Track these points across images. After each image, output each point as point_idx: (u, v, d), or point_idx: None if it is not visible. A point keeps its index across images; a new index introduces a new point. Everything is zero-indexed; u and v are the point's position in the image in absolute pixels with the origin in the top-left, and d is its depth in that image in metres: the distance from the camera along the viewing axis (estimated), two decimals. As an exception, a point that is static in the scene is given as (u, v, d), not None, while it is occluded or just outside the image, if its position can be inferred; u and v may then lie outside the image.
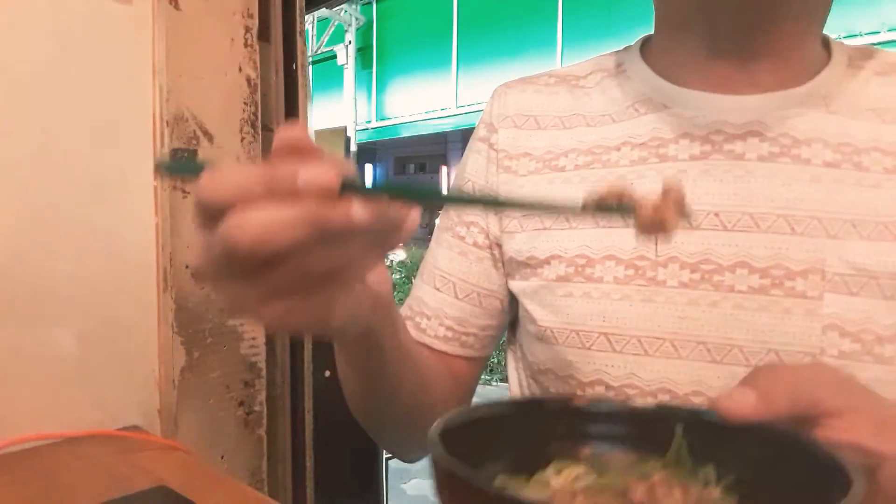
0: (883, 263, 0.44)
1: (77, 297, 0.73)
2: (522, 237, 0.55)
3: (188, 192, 0.84)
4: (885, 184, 0.46)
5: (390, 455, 1.79)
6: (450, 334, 0.58)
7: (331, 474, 1.15)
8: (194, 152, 0.83)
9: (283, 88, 1.00)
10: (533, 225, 0.54)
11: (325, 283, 0.29)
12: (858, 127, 0.48)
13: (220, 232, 0.26)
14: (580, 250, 0.51)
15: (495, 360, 4.10)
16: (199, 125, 0.84)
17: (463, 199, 0.35)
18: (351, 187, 0.26)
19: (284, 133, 0.27)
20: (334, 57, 9.84)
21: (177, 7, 0.81)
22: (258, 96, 0.91)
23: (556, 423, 0.36)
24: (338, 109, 9.67)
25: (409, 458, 0.62)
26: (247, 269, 0.27)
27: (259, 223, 0.26)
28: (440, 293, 0.59)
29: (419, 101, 9.23)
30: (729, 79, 0.50)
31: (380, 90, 9.86)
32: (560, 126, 0.57)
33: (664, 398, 0.47)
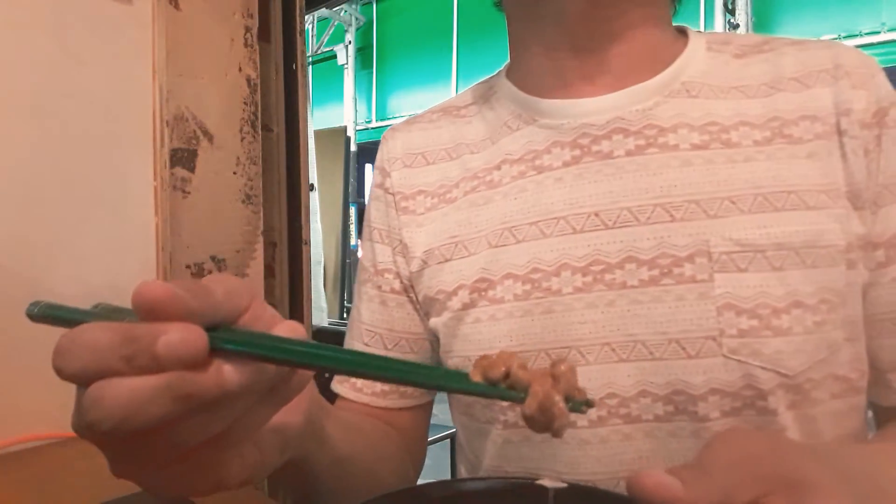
0: (767, 235, 0.44)
1: (77, 297, 0.73)
2: (429, 272, 0.55)
3: (188, 192, 0.84)
4: (756, 156, 0.46)
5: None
6: (387, 388, 0.57)
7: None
8: (194, 152, 0.83)
9: (283, 88, 1.00)
10: (436, 259, 0.54)
11: (209, 448, 0.26)
12: (722, 106, 0.48)
13: (81, 406, 0.23)
14: (480, 274, 0.51)
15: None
16: (199, 125, 0.84)
17: (361, 364, 0.27)
18: (222, 346, 0.23)
19: (141, 291, 0.23)
20: (334, 57, 9.84)
21: (177, 7, 0.81)
22: (258, 96, 0.91)
23: None
24: (338, 109, 9.67)
25: None
26: (115, 440, 0.24)
27: (117, 400, 0.22)
28: (369, 348, 0.58)
29: (419, 102, 9.23)
30: (586, 80, 0.51)
31: (380, 90, 9.85)
32: (447, 158, 0.57)
33: None
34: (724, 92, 0.49)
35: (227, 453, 0.27)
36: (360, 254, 0.63)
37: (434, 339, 0.57)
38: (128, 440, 0.24)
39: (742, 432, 0.31)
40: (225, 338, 0.24)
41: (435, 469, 3.24)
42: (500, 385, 0.28)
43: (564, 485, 0.36)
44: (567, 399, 0.28)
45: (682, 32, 0.53)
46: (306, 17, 1.10)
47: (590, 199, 0.48)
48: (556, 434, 0.28)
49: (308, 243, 1.07)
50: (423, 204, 0.57)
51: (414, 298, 0.57)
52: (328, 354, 0.25)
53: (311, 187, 1.35)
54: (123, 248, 0.77)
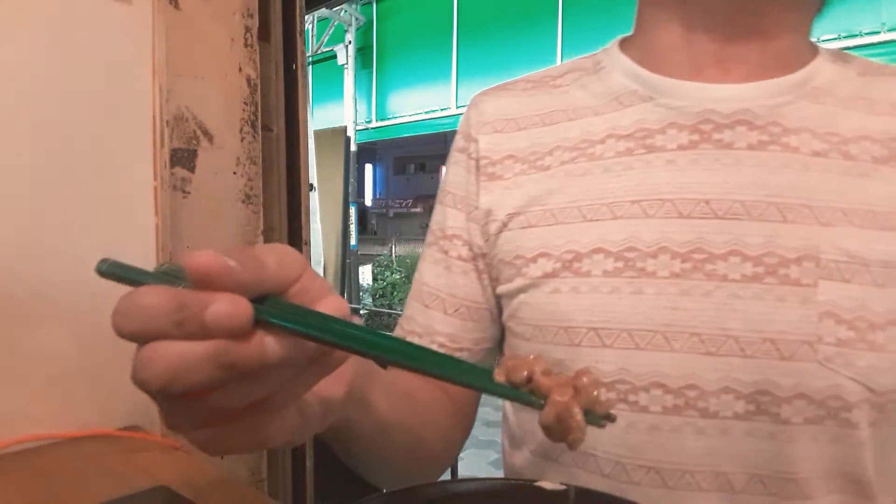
0: (873, 251, 0.44)
1: (77, 297, 0.73)
2: (508, 235, 0.54)
3: (188, 192, 0.84)
4: (872, 173, 0.46)
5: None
6: (442, 351, 0.57)
7: (331, 474, 1.14)
8: (194, 152, 0.83)
9: (283, 88, 1.00)
10: (519, 224, 0.54)
11: (251, 413, 0.27)
12: (845, 117, 0.48)
13: (133, 365, 0.25)
14: (568, 245, 0.50)
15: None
16: (199, 125, 0.84)
17: (397, 352, 0.27)
18: (266, 319, 0.24)
19: (194, 260, 0.24)
20: (334, 57, 9.83)
21: (177, 7, 0.81)
22: (258, 96, 0.91)
23: None
24: (338, 109, 9.67)
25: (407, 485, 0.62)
26: (166, 398, 0.26)
27: (165, 362, 0.24)
28: (430, 310, 0.58)
29: (419, 102, 9.23)
30: (715, 65, 0.50)
31: (380, 90, 9.85)
32: (541, 124, 0.56)
33: (656, 393, 0.46)
34: (848, 104, 0.49)
35: (270, 417, 0.28)
36: (432, 220, 0.62)
37: (496, 308, 0.57)
38: (177, 399, 0.26)
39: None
40: (270, 311, 0.25)
41: (435, 469, 3.24)
42: (522, 389, 0.28)
43: (564, 487, 0.36)
44: (586, 412, 0.28)
45: (811, 44, 0.53)
46: (306, 17, 1.10)
47: (702, 186, 0.48)
48: (571, 446, 0.28)
49: (308, 243, 1.07)
50: (512, 169, 0.56)
51: (481, 267, 0.57)
52: (363, 337, 0.26)
53: (311, 187, 1.35)
54: (123, 248, 0.77)
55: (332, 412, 0.34)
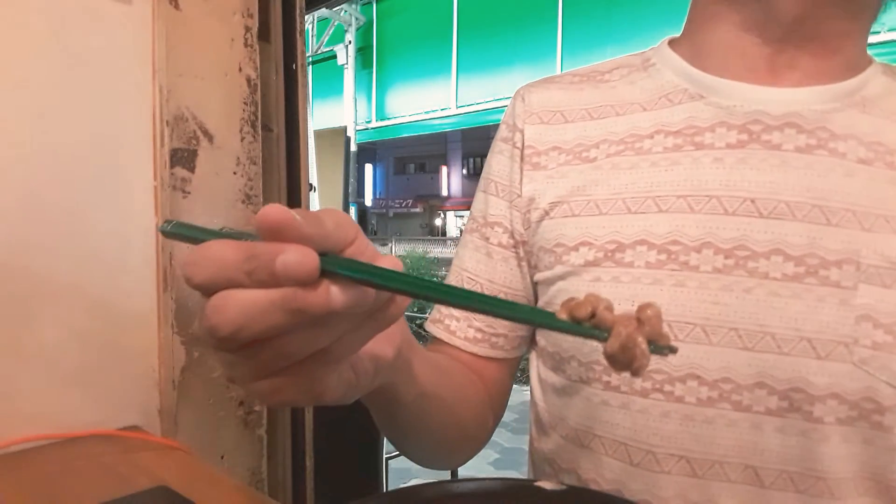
0: None
1: (77, 297, 0.73)
2: (551, 224, 0.55)
3: (188, 192, 0.84)
4: None
5: (390, 455, 1.79)
6: (479, 335, 0.58)
7: (331, 474, 1.15)
8: (194, 152, 0.83)
9: (283, 88, 1.00)
10: (562, 212, 0.54)
11: (313, 362, 0.29)
12: (892, 129, 0.49)
13: (203, 313, 0.26)
14: (611, 236, 0.51)
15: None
16: (199, 125, 0.84)
17: (454, 295, 0.28)
18: (332, 269, 0.26)
19: (265, 215, 0.25)
20: (334, 57, 9.84)
21: (177, 7, 0.81)
22: (258, 96, 0.91)
23: None
24: (338, 109, 9.67)
25: (442, 468, 0.62)
26: (231, 347, 0.27)
27: (237, 308, 0.26)
28: None
29: (419, 101, 9.22)
30: (768, 68, 0.50)
31: (380, 90, 9.85)
32: (588, 117, 0.57)
33: (692, 384, 0.47)
34: (893, 115, 0.50)
35: (327, 370, 0.30)
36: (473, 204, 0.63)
37: (533, 297, 0.58)
38: (242, 348, 0.27)
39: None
40: (334, 262, 0.26)
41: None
42: (585, 324, 0.29)
43: (564, 487, 0.36)
44: (650, 342, 0.29)
45: (865, 54, 0.54)
46: (306, 17, 1.10)
47: (748, 184, 0.48)
48: (636, 373, 0.29)
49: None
50: (557, 160, 0.56)
51: (521, 255, 0.58)
52: (425, 283, 0.27)
53: (311, 187, 1.35)
54: (123, 248, 0.77)
55: (381, 372, 0.35)
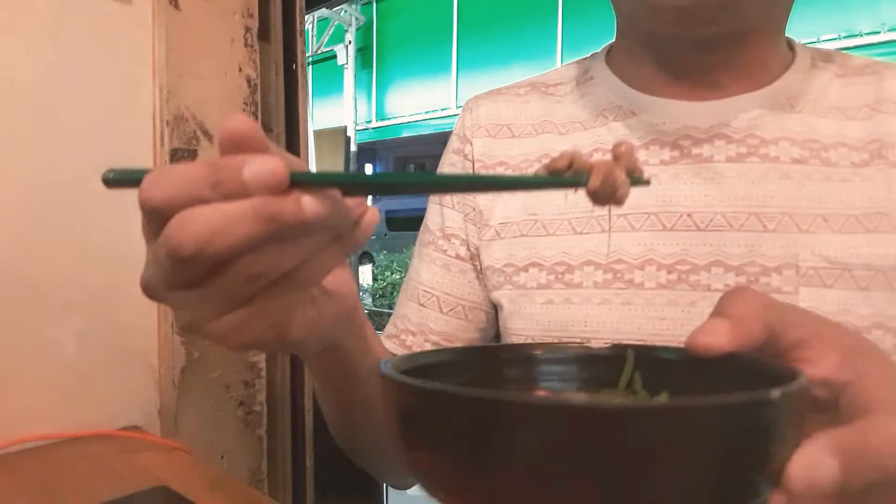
0: (856, 255, 0.45)
1: (77, 297, 0.73)
2: (501, 244, 0.55)
3: (188, 192, 0.84)
4: (853, 178, 0.47)
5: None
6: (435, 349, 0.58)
7: (331, 474, 1.14)
8: (194, 152, 0.83)
9: (283, 88, 1.00)
10: (511, 233, 0.54)
11: (278, 288, 0.27)
12: (823, 124, 0.49)
13: (164, 234, 0.25)
14: (559, 257, 0.51)
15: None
16: (199, 125, 0.84)
17: (424, 181, 0.29)
18: (301, 179, 0.25)
19: (230, 125, 0.25)
20: (334, 57, 9.84)
21: (177, 7, 0.81)
22: (258, 96, 0.91)
23: (507, 368, 0.35)
24: (338, 109, 9.67)
25: (403, 486, 0.61)
26: (193, 276, 0.26)
27: (202, 221, 0.24)
28: (424, 309, 0.59)
29: (419, 101, 9.22)
30: (692, 88, 0.51)
31: (380, 90, 9.85)
32: (533, 133, 0.57)
33: None
34: (825, 110, 0.49)
35: (291, 300, 0.29)
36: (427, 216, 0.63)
37: (491, 309, 0.58)
38: (203, 280, 0.26)
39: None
40: (301, 175, 0.25)
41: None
42: (566, 175, 0.30)
43: (613, 345, 0.36)
44: (628, 173, 0.30)
45: (789, 45, 0.54)
46: (306, 17, 1.10)
47: (684, 199, 0.49)
48: (619, 202, 0.29)
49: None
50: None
51: (478, 267, 0.58)
52: (396, 178, 0.27)
53: (311, 187, 1.35)
54: (123, 249, 0.77)
55: (339, 323, 0.35)
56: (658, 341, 0.47)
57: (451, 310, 0.58)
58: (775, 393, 0.23)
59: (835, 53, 0.54)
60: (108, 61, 0.76)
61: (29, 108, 0.70)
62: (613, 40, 0.58)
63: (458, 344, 0.58)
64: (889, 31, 5.22)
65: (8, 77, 0.69)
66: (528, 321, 0.52)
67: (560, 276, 0.51)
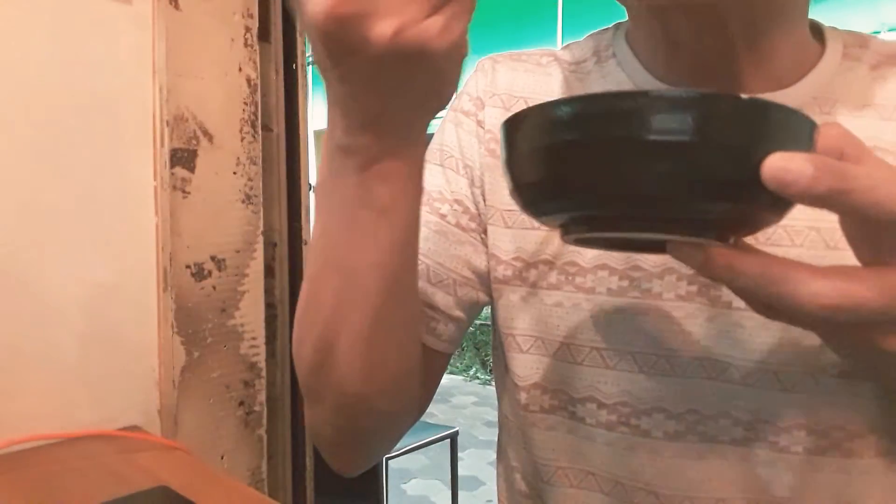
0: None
1: (77, 297, 0.73)
2: (508, 234, 0.51)
3: (188, 192, 0.84)
4: None
5: (390, 455, 1.78)
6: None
7: (331, 474, 1.14)
8: (194, 152, 0.83)
9: (283, 88, 1.00)
10: (519, 224, 0.50)
11: None
12: (855, 125, 0.43)
13: None
14: (571, 257, 0.48)
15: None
16: (199, 125, 0.84)
17: None
18: None
19: None
20: (334, 56, 9.82)
21: (177, 7, 0.81)
22: (258, 96, 0.91)
23: None
24: (338, 109, 9.66)
25: (344, 462, 0.54)
26: None
27: None
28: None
29: (419, 101, 9.20)
30: (712, 75, 0.46)
31: (380, 90, 9.83)
32: None
33: (658, 417, 0.46)
34: (857, 110, 0.46)
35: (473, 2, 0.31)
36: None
37: (485, 288, 0.53)
38: None
39: None
40: None
41: (435, 469, 3.24)
42: None
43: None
44: None
45: (817, 30, 0.49)
46: (306, 16, 1.09)
47: None
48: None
49: (308, 243, 1.07)
50: None
51: (483, 240, 0.52)
52: None
53: (311, 187, 1.35)
54: (123, 248, 0.77)
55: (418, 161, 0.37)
56: (672, 357, 0.45)
57: (439, 281, 0.51)
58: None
59: (870, 38, 0.49)
60: (108, 61, 0.76)
61: (29, 108, 0.70)
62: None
63: (440, 318, 0.52)
64: (889, 31, 5.21)
65: (8, 77, 0.69)
66: (535, 322, 0.50)
67: (571, 277, 0.48)
